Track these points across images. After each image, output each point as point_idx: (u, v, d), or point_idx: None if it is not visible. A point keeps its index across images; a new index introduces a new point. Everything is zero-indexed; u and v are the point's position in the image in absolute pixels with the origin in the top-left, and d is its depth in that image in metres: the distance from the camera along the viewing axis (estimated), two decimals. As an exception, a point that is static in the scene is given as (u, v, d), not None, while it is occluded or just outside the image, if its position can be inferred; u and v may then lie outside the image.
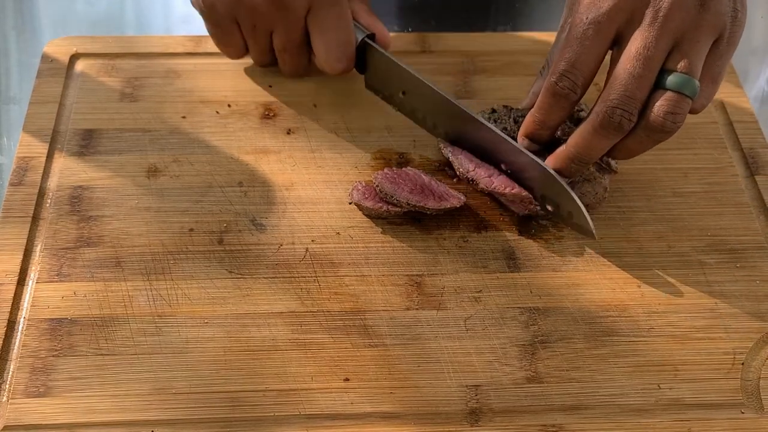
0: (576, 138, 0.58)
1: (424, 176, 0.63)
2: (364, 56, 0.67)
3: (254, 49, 0.68)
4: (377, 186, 0.61)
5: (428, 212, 0.61)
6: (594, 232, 0.59)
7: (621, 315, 0.58)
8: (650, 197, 0.64)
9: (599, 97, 0.56)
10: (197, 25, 0.70)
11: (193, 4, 0.66)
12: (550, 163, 0.60)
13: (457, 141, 0.64)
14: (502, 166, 0.62)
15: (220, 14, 0.65)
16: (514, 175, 0.62)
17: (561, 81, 0.57)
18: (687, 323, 0.57)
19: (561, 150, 0.59)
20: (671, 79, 0.55)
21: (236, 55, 0.69)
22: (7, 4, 0.82)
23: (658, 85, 0.55)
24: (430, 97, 0.64)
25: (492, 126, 0.61)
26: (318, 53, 0.66)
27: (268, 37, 0.67)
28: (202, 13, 0.66)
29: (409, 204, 0.60)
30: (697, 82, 0.55)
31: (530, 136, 0.60)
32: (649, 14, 0.54)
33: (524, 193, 0.60)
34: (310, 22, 0.65)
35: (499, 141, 0.61)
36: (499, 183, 0.61)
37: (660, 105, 0.55)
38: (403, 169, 0.63)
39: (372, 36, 0.67)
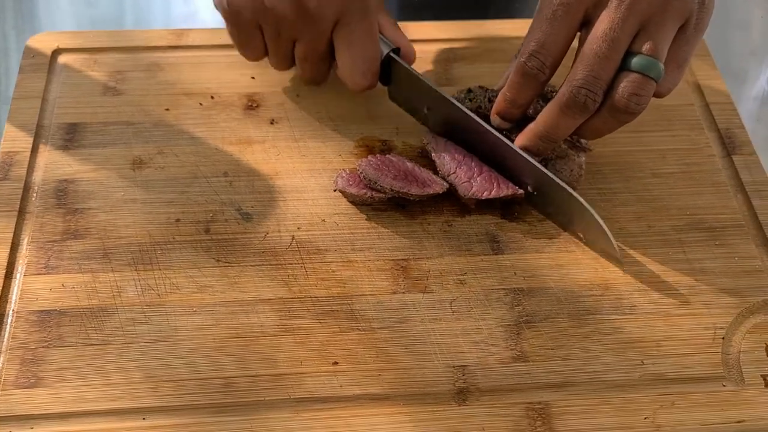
0: (543, 116, 0.59)
1: (407, 162, 0.64)
2: (388, 69, 0.66)
3: (275, 55, 0.66)
4: (361, 173, 0.62)
5: (412, 198, 0.62)
6: (616, 248, 0.59)
7: (604, 294, 0.59)
8: (629, 179, 0.66)
9: (567, 77, 0.58)
10: (197, 25, 0.72)
11: (215, 5, 0.64)
12: (519, 140, 0.61)
13: (472, 150, 0.65)
14: (528, 188, 0.62)
15: (244, 19, 0.62)
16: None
17: (530, 61, 0.58)
18: (668, 300, 0.59)
19: (529, 128, 0.60)
20: (636, 61, 0.56)
21: (254, 58, 0.67)
22: (7, 4, 0.83)
23: (624, 67, 0.56)
24: (453, 114, 0.64)
25: (510, 143, 0.61)
26: (342, 67, 0.64)
27: (291, 45, 0.64)
28: (225, 15, 0.63)
29: (392, 190, 0.61)
30: (661, 65, 0.56)
31: (501, 114, 0.62)
32: None
33: (502, 194, 0.61)
34: (336, 35, 0.63)
35: (515, 156, 0.61)
36: (477, 188, 0.62)
37: (624, 86, 0.56)
38: (387, 155, 0.64)
39: (397, 50, 0.66)
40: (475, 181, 0.62)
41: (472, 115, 0.63)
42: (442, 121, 0.65)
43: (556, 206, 0.61)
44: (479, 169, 0.63)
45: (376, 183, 0.61)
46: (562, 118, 0.58)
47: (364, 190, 0.62)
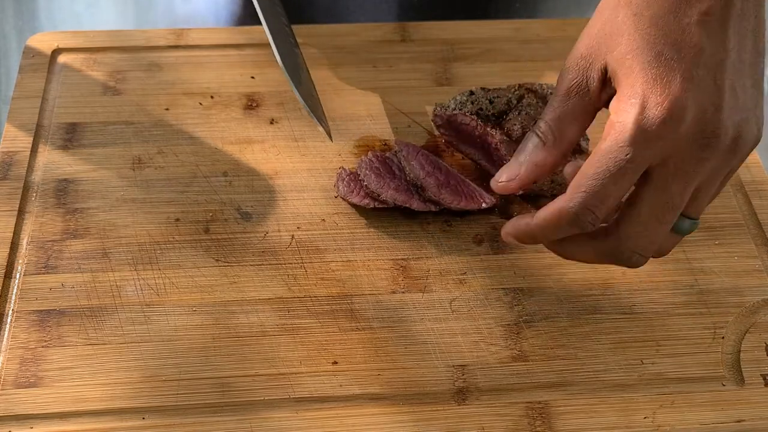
0: (578, 256, 0.52)
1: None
2: None
3: None
4: (363, 180, 0.62)
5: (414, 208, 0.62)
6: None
7: (603, 293, 0.59)
8: (630, 178, 0.65)
9: (616, 221, 0.50)
10: (197, 25, 0.71)
11: None
12: (509, 228, 0.52)
13: None
14: None
15: None
16: None
17: (584, 215, 0.48)
18: (668, 300, 0.59)
19: (525, 222, 0.51)
20: (682, 226, 0.50)
21: None
22: (7, 4, 0.83)
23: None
24: None
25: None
26: None
27: None
28: None
29: (395, 203, 0.61)
30: (698, 222, 0.51)
31: (517, 235, 0.52)
32: (685, 161, 0.48)
33: (468, 207, 0.61)
34: None
35: None
36: (446, 195, 0.61)
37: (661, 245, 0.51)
38: (386, 154, 0.64)
39: None
40: (444, 189, 0.62)
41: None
42: None
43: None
44: (447, 181, 0.62)
45: (378, 196, 0.61)
46: (571, 246, 0.51)
47: (367, 200, 0.62)
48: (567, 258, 0.53)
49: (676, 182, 0.48)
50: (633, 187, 0.49)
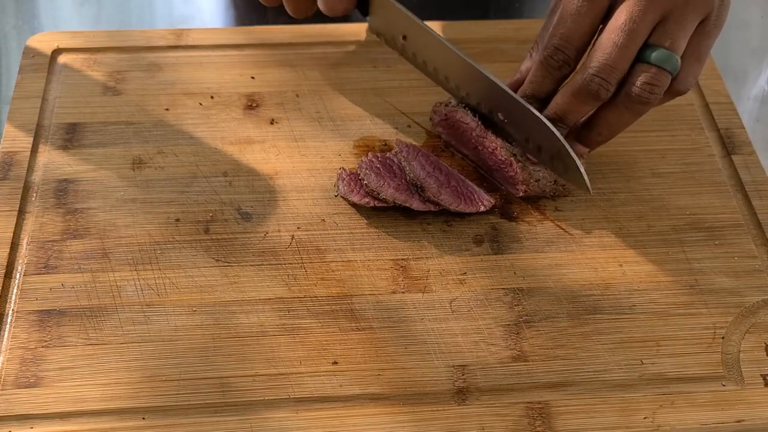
0: (556, 101, 0.60)
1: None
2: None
3: None
4: (363, 179, 0.62)
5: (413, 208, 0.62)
6: (589, 185, 0.60)
7: (603, 293, 0.59)
8: (629, 178, 0.66)
9: (582, 64, 0.58)
10: (197, 25, 0.71)
11: None
12: None
13: (458, 90, 0.65)
14: (500, 115, 0.62)
15: None
16: (509, 125, 0.62)
17: (555, 55, 0.59)
18: (668, 300, 0.59)
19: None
20: (653, 54, 0.56)
21: None
22: (7, 4, 0.83)
23: (640, 59, 0.57)
24: (430, 42, 0.65)
25: (492, 75, 0.62)
26: None
27: None
28: None
29: (395, 202, 0.61)
30: (677, 58, 0.57)
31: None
32: None
33: (469, 210, 0.61)
34: None
35: (499, 91, 0.62)
36: (445, 197, 0.61)
37: (639, 77, 0.57)
38: (387, 154, 0.64)
39: None
40: (444, 190, 0.62)
41: (449, 44, 0.63)
42: (421, 53, 0.66)
43: (529, 129, 0.61)
44: (447, 180, 0.62)
45: (378, 194, 0.61)
46: (574, 104, 0.58)
47: (367, 199, 0.62)
48: (559, 119, 0.59)
49: (627, 8, 0.56)
50: None
